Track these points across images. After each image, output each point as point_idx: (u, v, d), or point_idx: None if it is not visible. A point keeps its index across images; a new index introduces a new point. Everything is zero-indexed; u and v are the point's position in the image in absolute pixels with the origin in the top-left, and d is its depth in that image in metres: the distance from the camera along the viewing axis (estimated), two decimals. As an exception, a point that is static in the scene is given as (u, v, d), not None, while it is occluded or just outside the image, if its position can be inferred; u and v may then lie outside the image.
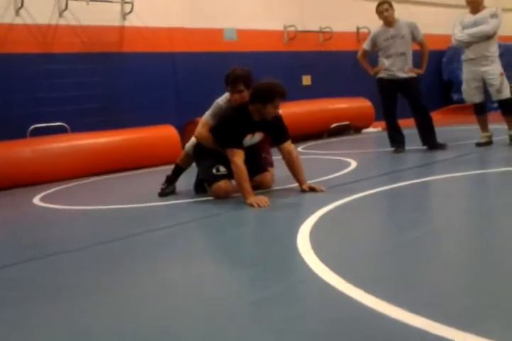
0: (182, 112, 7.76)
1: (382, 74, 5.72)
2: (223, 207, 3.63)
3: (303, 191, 3.88)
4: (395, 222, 3.04)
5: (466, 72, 5.52)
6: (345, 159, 5.61)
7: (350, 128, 9.17)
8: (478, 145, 5.56)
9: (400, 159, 5.47)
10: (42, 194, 5.11)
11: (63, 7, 6.84)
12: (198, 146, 4.14)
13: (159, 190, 4.33)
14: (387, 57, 5.63)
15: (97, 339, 1.70)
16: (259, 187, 4.02)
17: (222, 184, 3.89)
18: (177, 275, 2.31)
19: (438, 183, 4.01)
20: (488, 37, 5.28)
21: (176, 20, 7.93)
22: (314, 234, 2.66)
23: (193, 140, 4.27)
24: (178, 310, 1.87)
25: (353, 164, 5.20)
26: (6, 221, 4.09)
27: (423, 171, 4.60)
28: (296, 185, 3.97)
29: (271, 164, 4.44)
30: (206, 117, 4.10)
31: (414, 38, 5.61)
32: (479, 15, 5.32)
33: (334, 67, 9.81)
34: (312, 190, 3.86)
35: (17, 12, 6.54)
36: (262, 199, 3.57)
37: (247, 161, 3.72)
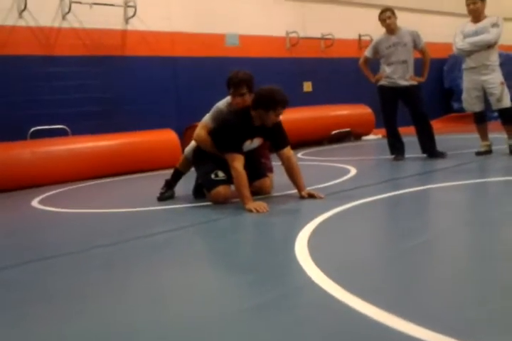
0: (182, 116, 7.77)
1: (383, 82, 5.73)
2: (222, 212, 3.63)
3: (302, 197, 3.87)
4: (394, 230, 3.03)
5: (467, 81, 5.53)
6: (344, 166, 5.61)
7: (351, 134, 9.18)
8: (478, 154, 5.56)
9: (399, 167, 5.47)
10: (41, 196, 5.11)
11: (66, 10, 6.87)
12: (197, 151, 4.14)
13: (158, 195, 4.32)
14: (389, 64, 5.65)
15: (92, 344, 1.69)
16: (258, 192, 4.01)
17: (221, 189, 3.88)
18: (174, 279, 2.31)
19: (437, 191, 4.00)
20: (489, 46, 5.30)
21: (178, 24, 7.96)
22: (312, 241, 2.65)
23: (192, 144, 4.27)
24: (174, 315, 1.86)
25: (353, 171, 5.20)
26: (4, 223, 4.09)
27: (423, 179, 4.60)
28: (295, 191, 3.96)
29: (270, 169, 4.43)
30: (206, 120, 4.10)
31: (415, 46, 5.64)
32: (480, 25, 5.34)
33: (335, 73, 9.83)
34: (311, 196, 3.85)
35: (20, 14, 6.56)
36: (260, 204, 3.56)
37: (247, 166, 3.72)
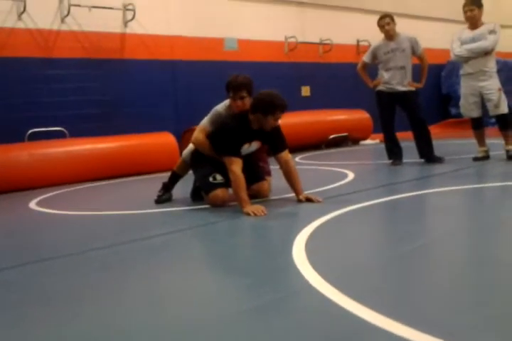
0: (180, 120, 7.78)
1: (381, 87, 5.76)
2: (220, 216, 3.63)
3: (299, 201, 3.88)
4: (391, 234, 3.04)
5: (464, 87, 5.56)
6: (342, 170, 5.62)
7: (348, 139, 9.20)
8: (475, 159, 5.58)
9: (397, 171, 5.49)
10: (38, 198, 5.10)
11: (65, 13, 6.87)
12: (195, 153, 4.14)
13: (156, 197, 4.32)
14: (387, 70, 5.68)
15: (89, 346, 1.69)
16: (256, 196, 4.02)
17: (219, 192, 3.88)
18: (172, 282, 2.31)
19: (435, 196, 4.02)
20: (486, 52, 5.33)
21: (177, 28, 7.97)
22: (310, 245, 2.66)
23: (190, 147, 4.27)
24: (172, 317, 1.86)
25: (350, 175, 5.21)
26: (2, 224, 4.08)
27: (420, 184, 4.61)
28: (292, 195, 3.97)
29: (268, 173, 4.44)
30: (204, 123, 4.10)
31: (414, 52, 5.67)
32: (478, 31, 5.37)
33: (333, 78, 9.85)
34: (309, 200, 3.86)
35: (19, 16, 6.56)
36: (258, 208, 3.57)
37: (245, 170, 3.73)
